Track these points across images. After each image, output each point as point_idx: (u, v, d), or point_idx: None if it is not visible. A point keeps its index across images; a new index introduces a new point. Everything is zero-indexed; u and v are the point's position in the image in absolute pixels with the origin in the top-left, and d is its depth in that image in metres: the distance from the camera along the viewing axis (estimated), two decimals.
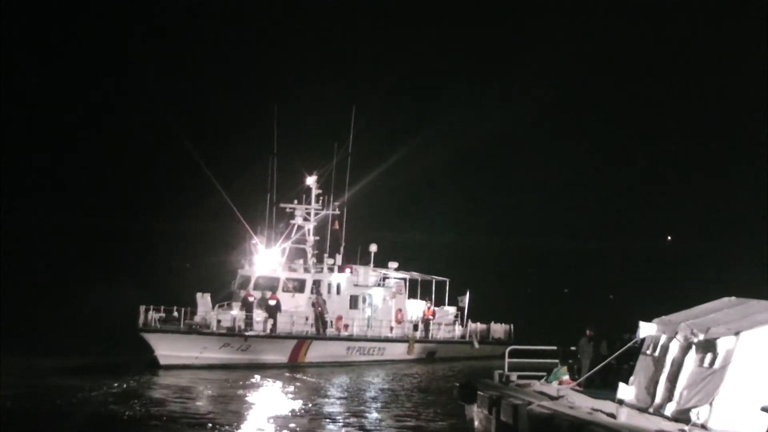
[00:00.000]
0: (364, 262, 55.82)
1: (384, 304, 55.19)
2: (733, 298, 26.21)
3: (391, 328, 54.85)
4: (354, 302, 53.43)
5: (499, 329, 60.04)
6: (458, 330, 58.61)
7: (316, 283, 51.33)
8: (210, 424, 31.49)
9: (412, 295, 59.35)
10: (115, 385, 38.53)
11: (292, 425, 32.18)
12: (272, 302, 48.26)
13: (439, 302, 59.94)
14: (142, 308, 45.05)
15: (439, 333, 57.70)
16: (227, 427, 31.29)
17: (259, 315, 47.82)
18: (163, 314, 45.90)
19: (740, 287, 31.61)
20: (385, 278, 56.82)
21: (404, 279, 58.31)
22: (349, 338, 51.90)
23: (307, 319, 49.78)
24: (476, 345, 56.56)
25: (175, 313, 46.17)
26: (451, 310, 59.57)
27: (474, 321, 59.10)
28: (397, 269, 58.05)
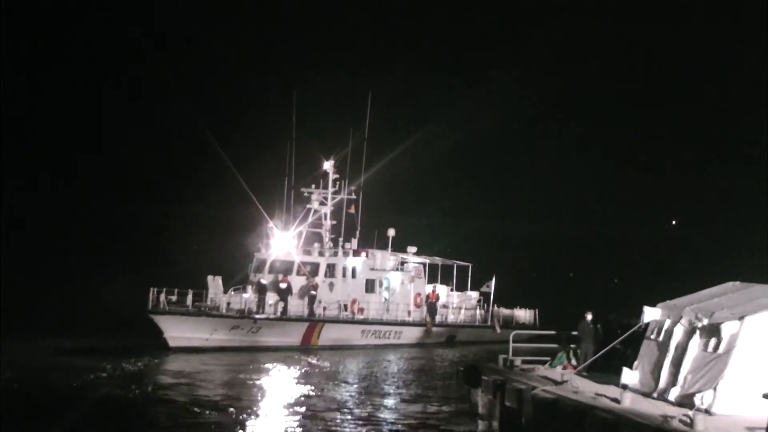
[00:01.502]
0: (381, 246, 56.12)
1: (402, 288, 55.54)
2: (737, 282, 26.17)
3: (409, 312, 55.11)
4: (370, 286, 53.73)
5: (523, 314, 60.18)
6: (479, 314, 58.80)
7: (330, 267, 51.72)
8: (214, 406, 31.60)
9: (433, 279, 59.62)
10: (123, 366, 38.91)
11: (294, 408, 32.29)
12: (283, 285, 48.66)
13: (462, 287, 60.28)
14: (153, 290, 45.41)
15: (460, 317, 58.05)
16: (230, 407, 31.41)
17: (271, 298, 48.22)
18: (175, 297, 46.27)
19: (744, 272, 31.53)
20: (403, 263, 57.10)
21: (423, 263, 58.58)
22: (364, 321, 52.18)
23: (320, 302, 50.21)
24: (498, 329, 56.68)
25: (190, 296, 46.46)
26: (474, 294, 59.99)
27: (500, 306, 59.32)
28: (416, 254, 58.33)
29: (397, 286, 55.32)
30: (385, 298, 54.35)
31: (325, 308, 50.54)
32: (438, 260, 60.42)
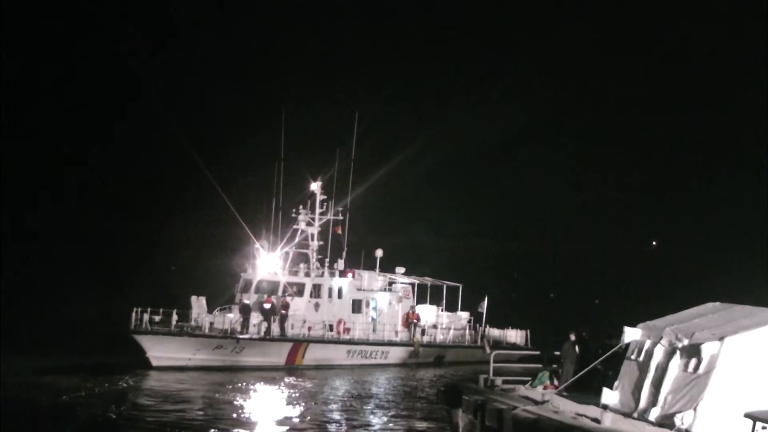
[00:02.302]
0: (369, 266, 56.37)
1: (390, 308, 55.70)
2: (718, 303, 26.19)
3: (397, 332, 55.17)
4: (357, 306, 53.92)
5: (514, 335, 60.20)
6: (468, 334, 58.81)
7: (316, 287, 51.94)
8: (196, 425, 31.59)
9: (422, 300, 59.91)
10: (107, 385, 38.98)
11: (274, 427, 32.29)
12: (267, 305, 48.79)
13: (452, 307, 60.38)
14: (136, 310, 45.63)
15: (449, 337, 58.04)
16: (212, 426, 31.37)
17: (255, 318, 48.41)
18: (160, 316, 46.48)
19: (724, 292, 31.68)
20: (391, 283, 57.28)
21: (412, 284, 58.83)
22: (349, 342, 52.23)
23: (304, 321, 50.28)
24: (488, 350, 56.66)
25: (175, 316, 46.69)
26: (464, 315, 60.04)
27: (492, 327, 59.33)
28: (405, 274, 58.59)
29: (384, 307, 55.49)
30: (373, 318, 54.43)
31: (310, 328, 50.58)
32: (428, 280, 60.68)
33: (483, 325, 58.84)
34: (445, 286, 60.69)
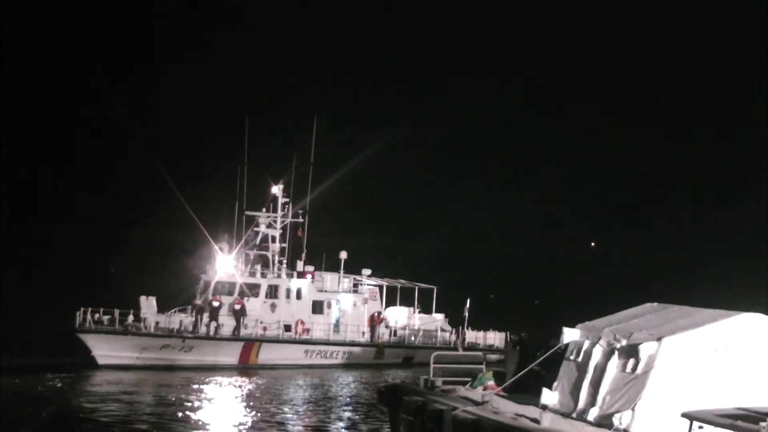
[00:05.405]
0: (333, 268, 56.42)
1: (354, 309, 55.80)
2: (655, 304, 26.36)
3: (363, 333, 55.35)
4: (318, 307, 54.02)
5: (493, 336, 60.40)
6: (440, 336, 58.85)
7: (273, 288, 52.12)
8: (130, 426, 31.24)
9: (393, 302, 60.21)
10: (51, 385, 38.83)
11: (204, 427, 32.09)
12: (237, 306, 49.34)
13: (427, 309, 60.62)
14: (81, 310, 45.83)
15: (418, 338, 58.10)
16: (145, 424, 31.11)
17: (206, 318, 48.71)
18: (115, 316, 46.76)
19: (662, 293, 32.01)
20: (356, 284, 57.39)
21: (380, 285, 59.00)
22: (307, 342, 52.36)
23: (261, 322, 50.57)
24: (460, 351, 56.77)
25: (131, 317, 46.91)
26: (439, 317, 60.32)
27: (471, 329, 59.34)
28: (374, 276, 58.88)
29: (348, 308, 55.61)
30: (337, 319, 54.47)
31: (265, 328, 50.82)
32: (400, 282, 60.92)
33: (465, 327, 59.05)
34: (417, 288, 60.96)
